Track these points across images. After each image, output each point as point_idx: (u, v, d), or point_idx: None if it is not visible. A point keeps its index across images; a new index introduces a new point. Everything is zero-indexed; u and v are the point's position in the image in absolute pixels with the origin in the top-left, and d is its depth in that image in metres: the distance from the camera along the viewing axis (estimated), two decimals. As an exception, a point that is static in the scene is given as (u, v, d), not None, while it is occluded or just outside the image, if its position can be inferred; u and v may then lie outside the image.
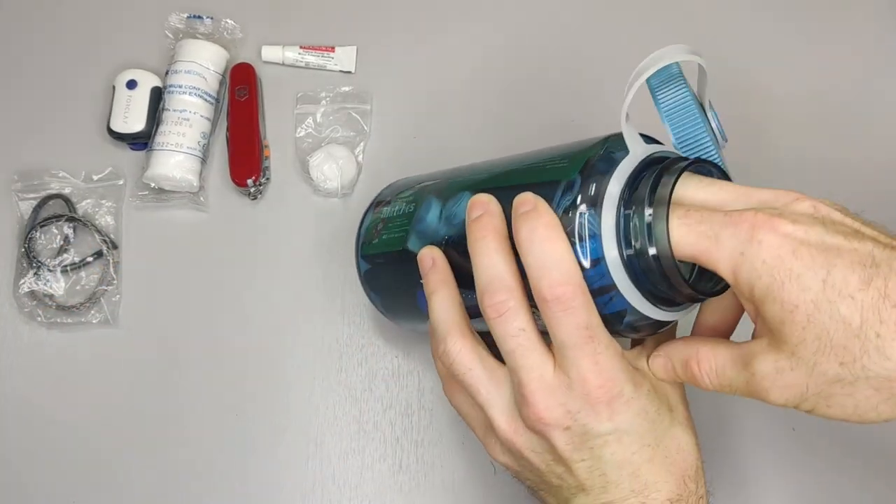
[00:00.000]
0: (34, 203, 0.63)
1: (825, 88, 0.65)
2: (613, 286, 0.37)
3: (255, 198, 0.63)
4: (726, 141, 0.40)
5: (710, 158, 0.39)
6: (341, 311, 0.61)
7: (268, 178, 0.64)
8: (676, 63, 0.38)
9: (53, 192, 0.63)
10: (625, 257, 0.36)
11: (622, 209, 0.36)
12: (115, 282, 0.62)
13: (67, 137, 0.65)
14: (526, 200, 0.38)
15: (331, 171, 0.62)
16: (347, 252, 0.61)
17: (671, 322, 0.40)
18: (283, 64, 0.67)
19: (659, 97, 0.39)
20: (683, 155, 0.39)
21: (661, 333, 0.41)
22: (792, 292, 0.32)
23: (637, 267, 0.36)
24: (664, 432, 0.40)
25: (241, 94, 0.64)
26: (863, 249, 0.32)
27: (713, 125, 0.40)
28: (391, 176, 0.63)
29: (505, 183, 0.42)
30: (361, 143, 0.64)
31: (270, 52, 0.66)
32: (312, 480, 0.57)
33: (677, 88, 0.38)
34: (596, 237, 0.37)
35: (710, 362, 0.38)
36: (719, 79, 0.41)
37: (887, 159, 0.62)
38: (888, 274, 0.32)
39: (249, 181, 0.62)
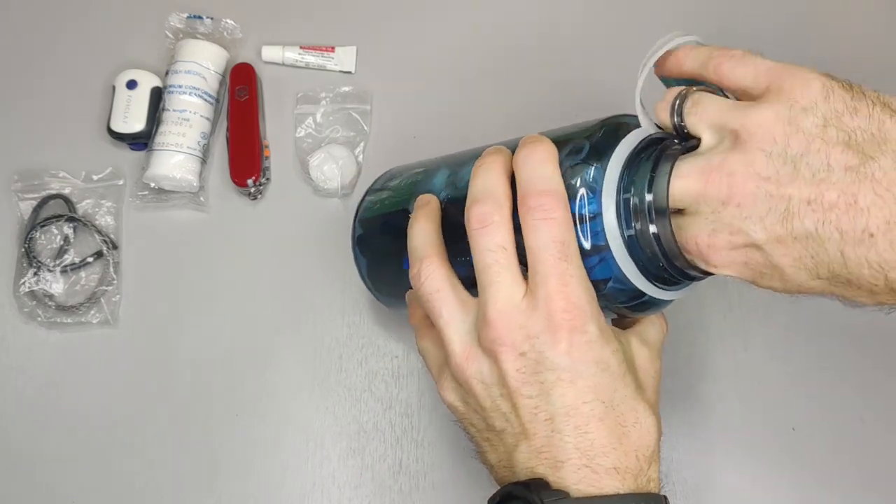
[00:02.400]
0: (34, 203, 0.63)
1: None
2: (606, 247, 0.37)
3: (255, 198, 0.63)
4: None
5: None
6: (341, 311, 0.61)
7: (268, 179, 0.64)
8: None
9: (53, 192, 0.63)
10: (622, 217, 0.37)
11: (625, 173, 0.37)
12: (115, 282, 0.62)
13: (68, 137, 0.65)
14: (531, 136, 0.39)
15: (331, 171, 0.62)
16: (348, 252, 0.61)
17: (654, 303, 0.40)
18: (283, 64, 0.67)
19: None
20: None
21: (641, 318, 0.42)
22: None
23: (635, 232, 0.37)
24: (623, 399, 0.38)
25: (241, 94, 0.64)
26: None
27: None
28: (391, 176, 0.64)
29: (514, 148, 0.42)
30: (361, 143, 0.64)
31: (270, 53, 0.66)
32: (312, 480, 0.57)
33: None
34: (596, 194, 0.37)
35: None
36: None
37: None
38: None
39: (249, 181, 0.62)
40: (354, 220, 0.54)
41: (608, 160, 0.38)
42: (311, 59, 0.66)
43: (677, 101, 0.38)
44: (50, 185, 0.64)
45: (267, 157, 0.64)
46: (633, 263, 0.38)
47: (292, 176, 0.64)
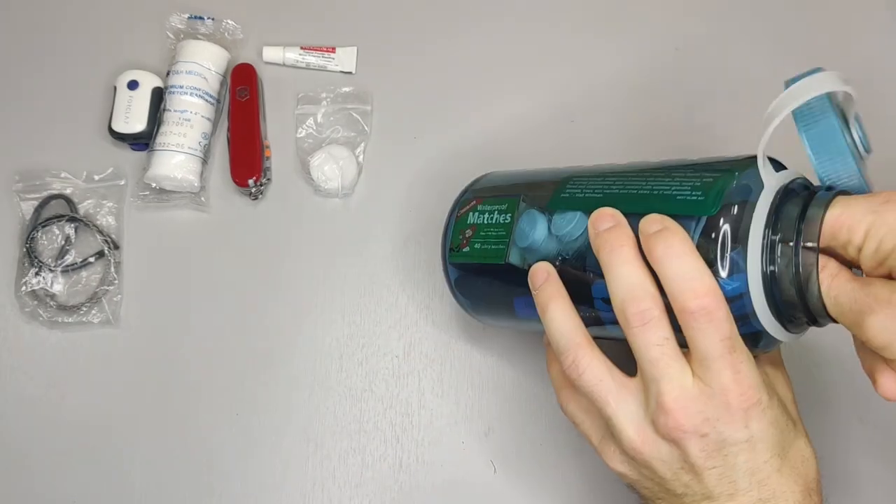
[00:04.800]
0: (36, 203, 0.63)
1: None
2: (749, 315, 0.38)
3: (256, 198, 0.63)
4: (869, 153, 0.39)
5: (854, 187, 0.38)
6: (341, 310, 0.61)
7: (269, 179, 0.64)
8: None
9: (55, 192, 0.63)
10: (768, 286, 0.38)
11: (767, 241, 0.38)
12: (116, 282, 0.62)
13: (69, 138, 0.66)
14: (654, 219, 0.39)
15: (331, 171, 0.62)
16: (348, 252, 0.62)
17: (774, 343, 0.41)
18: (283, 64, 0.67)
19: (803, 123, 0.38)
20: (827, 184, 0.39)
21: (766, 352, 0.43)
22: None
23: (778, 295, 0.38)
24: (791, 443, 0.41)
25: (241, 94, 0.65)
26: None
27: (855, 137, 0.39)
28: (391, 176, 0.64)
29: (626, 210, 0.41)
30: (362, 144, 0.64)
31: (271, 53, 0.67)
32: (313, 480, 0.57)
33: (824, 118, 0.37)
34: (740, 272, 0.38)
35: None
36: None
37: None
38: None
39: (250, 181, 0.62)
40: (445, 257, 0.51)
41: (746, 240, 0.38)
42: (312, 59, 0.66)
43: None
44: (51, 185, 0.64)
45: (268, 158, 0.64)
46: (766, 307, 0.39)
47: (293, 176, 0.64)
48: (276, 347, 0.60)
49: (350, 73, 0.67)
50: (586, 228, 0.42)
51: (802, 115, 0.37)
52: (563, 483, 0.56)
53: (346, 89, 0.66)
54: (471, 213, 0.50)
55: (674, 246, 0.38)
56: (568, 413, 0.45)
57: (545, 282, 0.43)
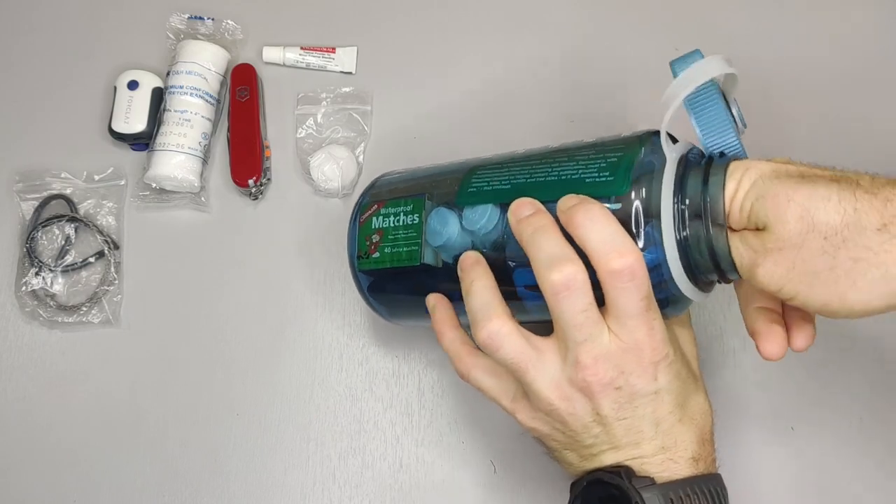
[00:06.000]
0: (36, 203, 0.63)
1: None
2: (664, 283, 0.41)
3: (256, 198, 0.64)
4: (745, 127, 0.43)
5: (737, 155, 0.42)
6: (341, 311, 0.61)
7: (269, 179, 0.64)
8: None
9: (55, 192, 0.64)
10: (683, 253, 0.40)
11: (678, 210, 0.40)
12: (116, 282, 0.62)
13: (69, 138, 0.66)
14: (571, 197, 0.41)
15: (331, 171, 0.62)
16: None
17: (685, 303, 0.44)
18: (283, 65, 0.67)
19: (694, 108, 0.42)
20: (709, 150, 0.42)
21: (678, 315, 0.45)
22: (780, 192, 0.37)
23: (692, 259, 0.41)
24: (689, 395, 0.44)
25: (242, 94, 0.65)
26: (824, 172, 0.38)
27: (734, 114, 0.42)
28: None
29: (539, 198, 0.43)
30: (362, 144, 0.64)
31: (271, 53, 0.67)
32: (313, 480, 0.57)
33: (712, 103, 0.41)
34: (655, 245, 0.40)
35: None
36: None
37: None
38: (852, 179, 0.37)
39: (250, 181, 0.62)
40: (354, 265, 0.51)
41: (658, 205, 0.40)
42: (312, 59, 0.66)
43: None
44: (51, 185, 0.64)
45: (268, 158, 0.64)
46: (683, 273, 0.41)
47: (293, 176, 0.64)
48: (277, 347, 0.60)
49: (350, 73, 0.67)
50: (499, 219, 0.44)
51: (692, 99, 0.41)
52: (563, 483, 0.56)
53: (346, 89, 0.66)
54: (374, 218, 0.50)
55: (594, 214, 0.40)
56: (472, 380, 0.46)
57: (473, 264, 0.44)
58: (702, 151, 0.43)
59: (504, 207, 0.44)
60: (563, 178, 0.43)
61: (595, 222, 0.39)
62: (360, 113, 0.65)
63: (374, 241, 0.49)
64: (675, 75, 0.41)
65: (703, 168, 0.41)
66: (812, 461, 0.56)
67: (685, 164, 0.41)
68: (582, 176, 0.42)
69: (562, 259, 0.40)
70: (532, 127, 0.64)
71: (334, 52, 0.66)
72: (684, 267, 0.41)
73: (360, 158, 0.64)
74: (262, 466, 0.58)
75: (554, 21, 0.68)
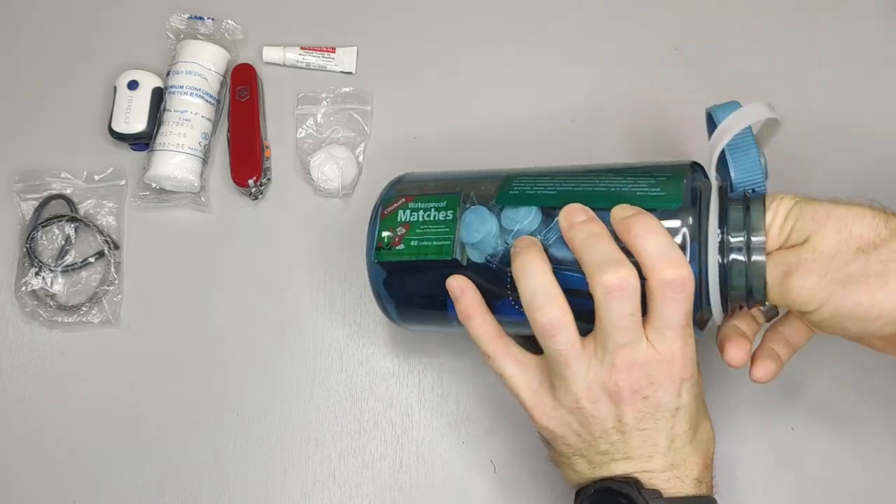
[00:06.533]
0: (36, 203, 0.63)
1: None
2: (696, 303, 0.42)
3: (256, 198, 0.64)
4: (767, 177, 0.46)
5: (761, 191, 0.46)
6: (342, 310, 0.61)
7: (269, 179, 0.64)
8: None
9: (55, 192, 0.64)
10: (723, 275, 0.43)
11: (724, 237, 0.43)
12: (116, 282, 0.62)
13: (69, 138, 0.66)
14: (626, 206, 0.43)
15: (331, 171, 0.62)
16: (348, 252, 0.62)
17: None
18: (283, 65, 0.67)
19: (732, 151, 0.45)
20: (741, 187, 0.46)
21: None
22: (820, 209, 0.42)
23: (727, 283, 0.43)
24: (700, 419, 0.46)
25: (242, 94, 0.65)
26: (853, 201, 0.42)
27: (763, 161, 0.46)
28: (391, 176, 0.63)
29: (586, 205, 0.44)
30: (362, 144, 0.64)
31: (271, 53, 0.67)
32: (313, 479, 0.57)
33: (749, 149, 0.45)
34: (696, 265, 0.42)
35: None
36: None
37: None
38: (879, 207, 0.42)
39: (250, 181, 0.62)
40: (371, 257, 0.50)
41: (706, 229, 0.42)
42: (312, 59, 0.66)
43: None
44: (51, 185, 0.64)
45: (268, 158, 0.64)
46: (718, 294, 0.43)
47: (293, 176, 0.64)
48: (277, 347, 0.60)
49: (350, 73, 0.67)
50: (541, 222, 0.45)
51: (731, 142, 0.44)
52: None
53: (346, 89, 0.66)
54: (401, 211, 0.50)
55: (652, 225, 0.41)
56: (497, 365, 0.46)
57: (530, 244, 0.44)
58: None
59: (547, 212, 0.45)
60: (612, 189, 0.45)
61: (651, 232, 0.41)
62: (360, 113, 0.65)
63: (399, 233, 0.49)
64: (715, 121, 0.44)
65: (742, 200, 0.44)
66: (812, 461, 0.56)
67: (724, 195, 0.44)
68: (633, 189, 0.44)
69: (618, 262, 0.41)
70: (532, 127, 0.64)
71: (334, 52, 0.66)
72: (721, 288, 0.43)
73: (360, 158, 0.64)
74: (262, 466, 0.58)
75: (553, 21, 0.68)
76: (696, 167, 0.47)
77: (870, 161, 0.61)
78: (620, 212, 0.43)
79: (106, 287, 0.62)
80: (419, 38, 0.68)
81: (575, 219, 0.43)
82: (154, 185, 0.63)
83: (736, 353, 0.46)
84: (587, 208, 0.44)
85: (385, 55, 0.67)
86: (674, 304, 0.41)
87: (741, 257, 0.42)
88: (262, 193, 0.64)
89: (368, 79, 0.66)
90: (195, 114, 0.63)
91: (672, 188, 0.44)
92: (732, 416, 0.56)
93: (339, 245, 0.62)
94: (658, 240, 0.41)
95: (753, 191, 0.45)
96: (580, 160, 0.49)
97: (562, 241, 0.44)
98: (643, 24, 0.67)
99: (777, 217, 0.43)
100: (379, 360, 0.60)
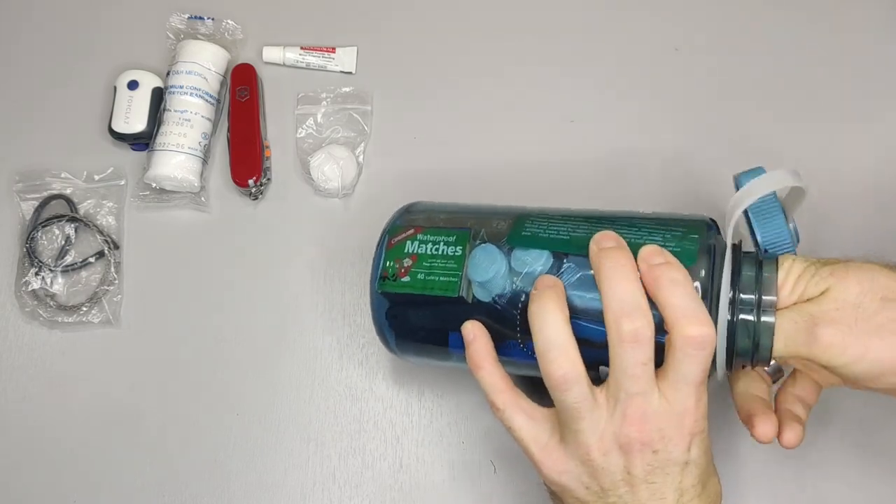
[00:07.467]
0: (36, 203, 0.63)
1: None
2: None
3: (256, 198, 0.64)
4: (799, 241, 0.46)
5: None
6: (341, 310, 0.61)
7: (269, 179, 0.64)
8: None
9: (55, 192, 0.64)
10: (731, 328, 0.43)
11: (734, 297, 0.43)
12: (116, 282, 0.62)
13: (69, 138, 0.66)
14: (657, 251, 0.42)
15: (331, 171, 0.62)
16: (348, 252, 0.62)
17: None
18: (283, 65, 0.67)
19: (756, 217, 0.45)
20: (768, 251, 0.46)
21: None
22: (839, 263, 0.43)
23: (736, 337, 0.43)
24: (709, 475, 0.45)
25: (242, 94, 0.65)
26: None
27: (791, 228, 0.46)
28: (391, 176, 0.64)
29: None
30: (362, 144, 0.64)
31: (271, 53, 0.67)
32: (313, 479, 0.58)
33: (774, 214, 0.45)
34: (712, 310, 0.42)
35: None
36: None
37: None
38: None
39: (250, 181, 0.62)
40: (375, 286, 0.49)
41: (718, 285, 0.43)
42: (312, 59, 0.66)
43: None
44: (51, 185, 0.64)
45: (268, 158, 0.64)
46: (724, 353, 0.43)
47: (293, 176, 0.64)
48: (277, 347, 0.60)
49: (350, 73, 0.67)
50: (552, 266, 0.44)
51: (754, 208, 0.45)
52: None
53: (346, 89, 0.66)
54: (409, 242, 0.49)
55: (679, 278, 0.41)
56: (506, 417, 0.45)
57: (552, 286, 0.43)
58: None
59: (559, 256, 0.44)
60: (628, 240, 0.43)
61: (679, 286, 0.41)
62: (360, 113, 0.65)
63: (405, 265, 0.48)
64: (737, 187, 0.44)
65: (755, 260, 0.44)
66: (812, 462, 0.56)
67: (738, 254, 0.44)
68: (647, 242, 0.43)
69: (637, 310, 0.40)
70: (532, 126, 0.64)
71: (334, 52, 0.67)
72: (728, 347, 0.43)
73: (360, 158, 0.64)
74: (262, 466, 0.58)
75: (556, 21, 0.68)
76: (713, 224, 0.46)
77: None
78: (650, 256, 0.42)
79: (106, 287, 0.62)
80: (419, 38, 0.68)
81: (605, 244, 0.43)
82: (154, 185, 0.63)
83: (765, 428, 0.46)
84: (619, 237, 0.43)
85: (385, 55, 0.67)
86: (693, 361, 0.40)
87: (751, 316, 0.42)
88: (262, 193, 0.64)
89: (368, 79, 0.66)
90: (195, 114, 0.63)
91: (687, 244, 0.43)
92: (732, 415, 0.56)
93: (339, 245, 0.62)
94: (683, 294, 0.40)
95: (766, 251, 0.45)
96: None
97: (573, 286, 0.43)
98: (646, 24, 0.67)
99: (790, 275, 0.43)
100: (379, 360, 0.60)
